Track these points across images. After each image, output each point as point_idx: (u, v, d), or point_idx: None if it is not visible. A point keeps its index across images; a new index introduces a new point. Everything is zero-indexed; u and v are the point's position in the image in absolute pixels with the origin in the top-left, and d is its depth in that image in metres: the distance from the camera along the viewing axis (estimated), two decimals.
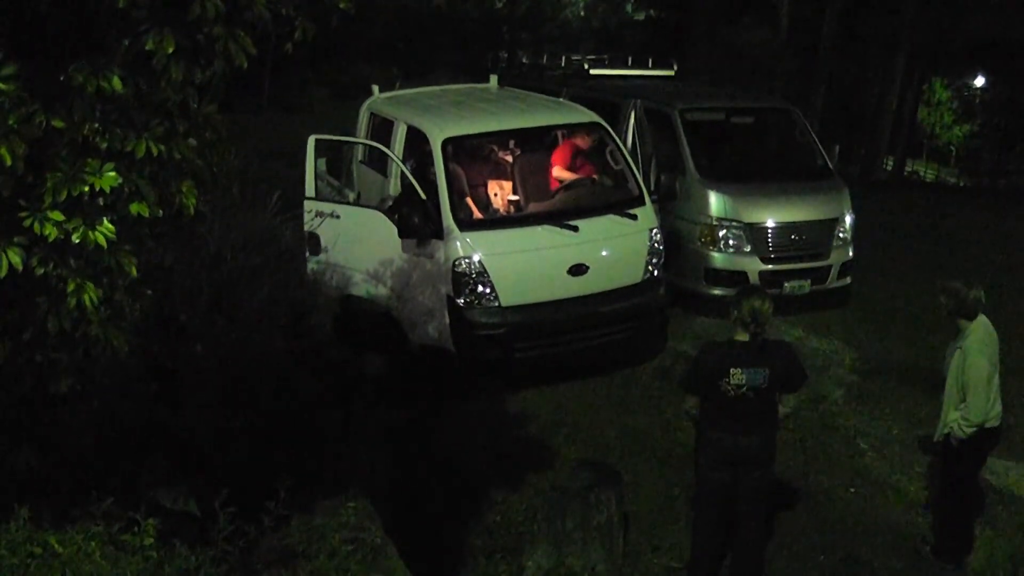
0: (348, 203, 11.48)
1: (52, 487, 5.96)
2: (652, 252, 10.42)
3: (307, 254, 10.25)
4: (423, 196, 9.64)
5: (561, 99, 12.58)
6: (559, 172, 11.13)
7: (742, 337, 6.71)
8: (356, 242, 10.15)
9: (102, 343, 4.73)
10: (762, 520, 7.19)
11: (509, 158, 11.58)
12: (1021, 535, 8.06)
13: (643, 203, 10.53)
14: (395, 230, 9.73)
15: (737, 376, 6.63)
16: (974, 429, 7.24)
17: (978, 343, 7.28)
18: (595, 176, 11.16)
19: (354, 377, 9.28)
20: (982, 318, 7.36)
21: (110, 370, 6.32)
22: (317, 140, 10.56)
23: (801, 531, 8.03)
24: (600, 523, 7.36)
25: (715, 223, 11.97)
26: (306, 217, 10.23)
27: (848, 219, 12.45)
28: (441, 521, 7.92)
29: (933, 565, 7.76)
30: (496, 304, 9.66)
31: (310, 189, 10.35)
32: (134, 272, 4.49)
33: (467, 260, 9.55)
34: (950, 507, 7.75)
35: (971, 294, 7.29)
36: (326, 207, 10.32)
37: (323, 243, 10.20)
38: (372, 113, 12.15)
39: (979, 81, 42.59)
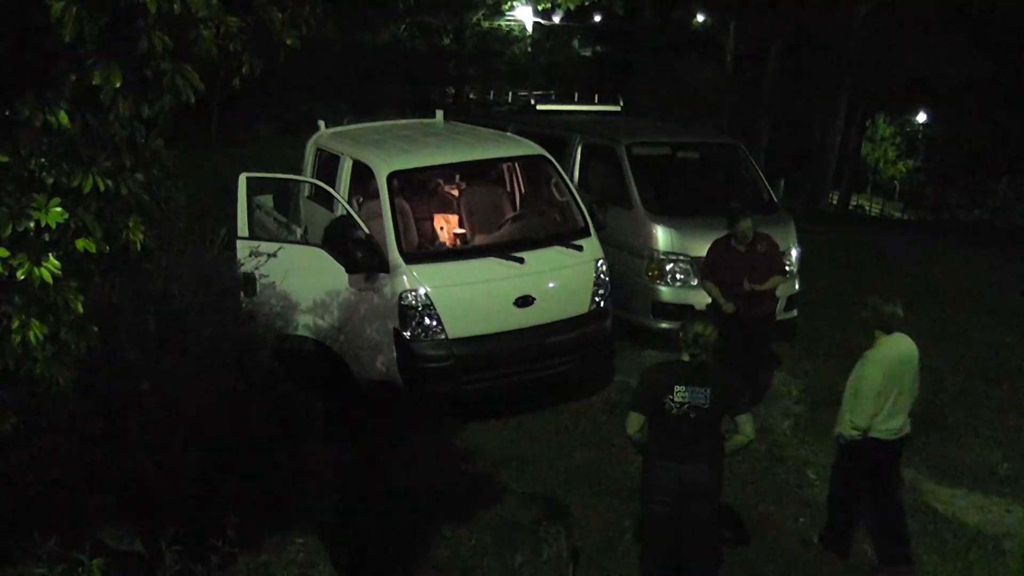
0: (285, 240, 11.40)
1: None
2: (598, 283, 10.48)
3: (242, 295, 9.92)
4: (366, 230, 9.62)
5: (508, 133, 12.62)
6: None
7: (684, 358, 6.85)
8: (296, 279, 9.99)
9: (47, 381, 4.67)
10: (710, 554, 7.22)
11: (455, 191, 11.63)
12: (965, 562, 8.14)
13: (588, 234, 10.60)
14: (336, 266, 9.68)
15: (680, 393, 6.74)
16: (858, 434, 7.59)
17: (880, 356, 7.58)
18: (540, 208, 11.22)
19: (302, 413, 9.22)
20: (898, 335, 7.66)
21: (55, 408, 6.25)
22: (249, 178, 10.41)
23: (750, 561, 8.06)
24: (550, 557, 7.38)
25: (662, 257, 12.04)
26: (240, 256, 9.96)
27: (794, 252, 12.56)
28: (390, 557, 7.88)
29: None
30: (443, 336, 9.65)
31: (243, 228, 10.15)
32: (80, 308, 4.45)
33: (413, 293, 9.54)
34: (835, 504, 8.17)
35: (887, 308, 7.63)
36: (263, 246, 10.01)
37: (260, 283, 9.97)
38: (319, 148, 12.11)
39: (921, 117, 43.31)
